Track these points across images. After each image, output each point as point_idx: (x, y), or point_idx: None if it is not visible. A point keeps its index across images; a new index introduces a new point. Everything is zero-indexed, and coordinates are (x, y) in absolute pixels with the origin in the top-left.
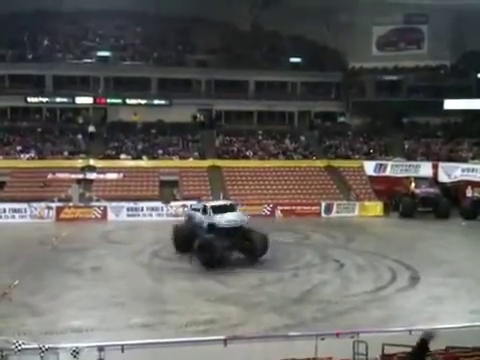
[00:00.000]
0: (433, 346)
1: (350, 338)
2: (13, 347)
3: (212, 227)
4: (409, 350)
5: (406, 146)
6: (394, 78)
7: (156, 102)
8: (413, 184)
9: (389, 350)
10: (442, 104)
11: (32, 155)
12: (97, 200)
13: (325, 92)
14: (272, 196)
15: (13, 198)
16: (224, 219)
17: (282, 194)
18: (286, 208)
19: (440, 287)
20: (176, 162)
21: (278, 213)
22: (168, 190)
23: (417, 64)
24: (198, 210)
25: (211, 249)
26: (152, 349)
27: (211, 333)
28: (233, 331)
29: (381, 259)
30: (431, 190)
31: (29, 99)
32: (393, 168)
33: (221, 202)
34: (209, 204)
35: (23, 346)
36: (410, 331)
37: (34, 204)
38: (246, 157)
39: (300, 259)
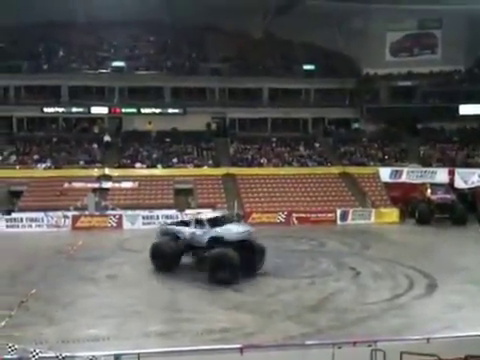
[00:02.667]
0: (452, 355)
1: (367, 347)
2: (31, 356)
3: (216, 241)
4: (427, 359)
5: (421, 152)
6: (408, 84)
7: (170, 111)
8: (429, 190)
9: (407, 359)
10: (457, 109)
11: (48, 165)
12: (113, 209)
13: (339, 99)
14: (287, 203)
15: (30, 207)
16: (233, 231)
17: (297, 201)
18: (301, 215)
19: (458, 294)
20: (191, 170)
21: (293, 220)
22: (183, 198)
23: (431, 69)
24: (183, 224)
25: (231, 265)
26: (168, 358)
27: (227, 341)
28: (249, 339)
29: (398, 266)
30: (448, 196)
31: (45, 109)
32: (409, 174)
33: (213, 214)
34: (204, 217)
35: (40, 355)
36: (428, 339)
37: (50, 213)
38: (260, 165)
39: (316, 267)
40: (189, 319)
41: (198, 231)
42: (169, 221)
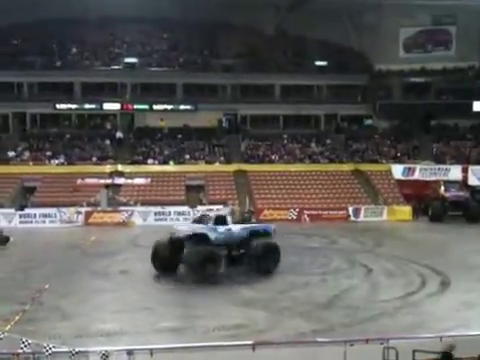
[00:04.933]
0: (466, 353)
1: (380, 344)
2: (44, 350)
3: (256, 234)
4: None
5: (435, 149)
6: (422, 80)
7: (182, 107)
8: (442, 188)
9: (420, 357)
10: (471, 106)
11: (62, 161)
12: (127, 202)
13: (351, 95)
14: (299, 200)
15: (43, 203)
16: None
17: (309, 198)
18: (313, 212)
19: (471, 293)
20: (202, 167)
21: (305, 217)
22: (194, 194)
23: (445, 66)
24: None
25: (276, 254)
26: (181, 353)
27: (239, 338)
28: (261, 336)
29: (410, 264)
30: (461, 193)
31: (58, 106)
32: (422, 171)
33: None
34: (211, 215)
35: (54, 349)
36: (441, 338)
37: (64, 209)
38: (272, 161)
39: (328, 264)
40: (201, 315)
41: (234, 227)
42: (179, 227)
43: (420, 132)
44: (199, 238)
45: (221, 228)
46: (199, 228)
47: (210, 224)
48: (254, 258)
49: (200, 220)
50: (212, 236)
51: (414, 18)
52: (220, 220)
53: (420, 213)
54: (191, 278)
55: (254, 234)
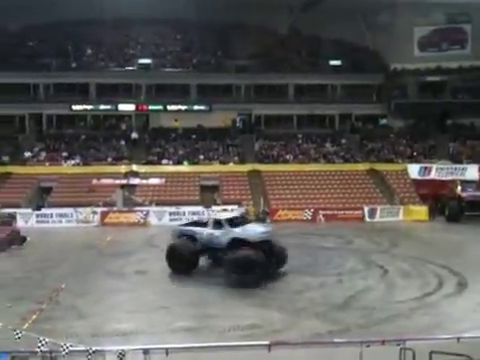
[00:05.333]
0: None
1: (396, 346)
2: (61, 349)
3: (237, 242)
4: (458, 359)
5: (451, 148)
6: (437, 79)
7: (196, 108)
8: (459, 187)
9: (437, 358)
10: None
11: (77, 161)
12: (142, 202)
13: (366, 94)
14: (313, 200)
15: (59, 203)
16: (256, 232)
17: (324, 198)
18: (328, 213)
19: None
20: (216, 167)
21: (320, 218)
22: (209, 195)
23: (461, 64)
24: (199, 225)
25: (258, 267)
26: (196, 353)
27: (254, 338)
28: (276, 336)
29: (427, 265)
30: (478, 193)
31: (74, 107)
32: (438, 171)
33: (231, 214)
34: (222, 217)
35: (70, 348)
36: (458, 339)
37: (80, 209)
38: (286, 161)
39: (343, 265)
40: (216, 315)
41: (216, 232)
42: (183, 222)
43: (436, 131)
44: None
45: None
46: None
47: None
48: (231, 269)
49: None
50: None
51: (428, 17)
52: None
53: (436, 213)
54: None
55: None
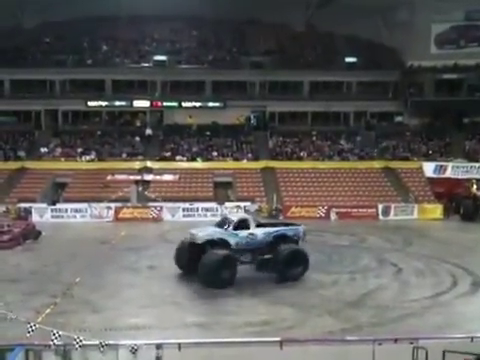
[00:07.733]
0: None
1: (409, 344)
2: (74, 343)
3: (282, 238)
4: (472, 358)
5: (467, 147)
6: (454, 77)
7: (210, 104)
8: (475, 186)
9: (450, 357)
10: None
11: (92, 157)
12: (156, 198)
13: (382, 91)
14: (327, 198)
15: (74, 198)
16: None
17: (337, 196)
18: (342, 210)
19: None
20: (230, 163)
21: (333, 215)
22: (222, 191)
23: (478, 62)
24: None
25: (305, 260)
26: (208, 348)
27: (266, 334)
28: (288, 333)
29: (441, 263)
30: None
31: (89, 103)
32: (454, 169)
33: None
34: (233, 218)
35: (84, 342)
36: (472, 338)
37: (94, 204)
38: (300, 158)
39: (356, 262)
40: (228, 311)
41: (258, 231)
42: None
43: (452, 129)
44: (219, 243)
45: (243, 233)
46: (218, 233)
47: (231, 229)
48: (280, 265)
49: (221, 224)
50: (232, 241)
51: (446, 14)
52: (242, 224)
53: (451, 212)
54: (206, 283)
55: (279, 238)
